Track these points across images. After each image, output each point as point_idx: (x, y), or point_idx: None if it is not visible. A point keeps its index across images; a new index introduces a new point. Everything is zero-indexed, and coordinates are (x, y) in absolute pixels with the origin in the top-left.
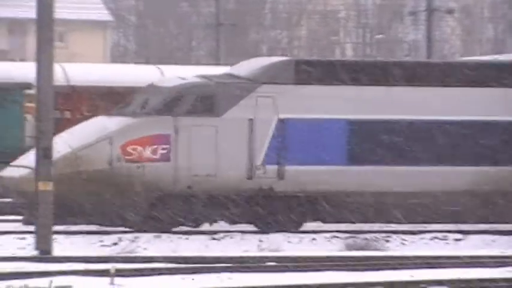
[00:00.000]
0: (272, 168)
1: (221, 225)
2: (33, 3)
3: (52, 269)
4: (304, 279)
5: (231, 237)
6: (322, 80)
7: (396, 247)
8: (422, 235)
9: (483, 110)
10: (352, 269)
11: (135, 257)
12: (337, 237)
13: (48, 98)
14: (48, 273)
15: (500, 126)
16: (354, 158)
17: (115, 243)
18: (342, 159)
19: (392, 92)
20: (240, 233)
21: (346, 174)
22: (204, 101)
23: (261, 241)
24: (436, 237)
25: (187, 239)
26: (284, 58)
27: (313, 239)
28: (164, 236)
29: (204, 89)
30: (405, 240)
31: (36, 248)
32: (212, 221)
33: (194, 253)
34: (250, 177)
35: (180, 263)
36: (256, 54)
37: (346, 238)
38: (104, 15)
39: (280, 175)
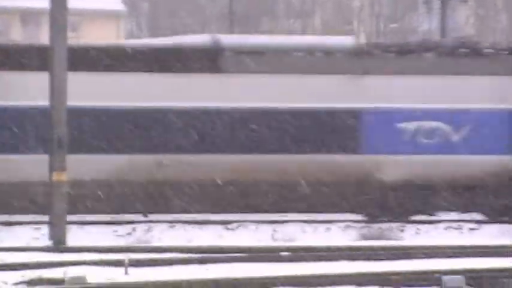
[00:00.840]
0: None
1: (234, 215)
2: None
3: (66, 259)
4: (318, 269)
5: (245, 227)
6: None
7: (411, 236)
8: (437, 225)
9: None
10: (367, 259)
11: (149, 247)
12: (352, 226)
13: (62, 87)
14: (62, 263)
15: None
16: None
17: (129, 233)
18: None
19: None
20: (254, 223)
21: None
22: None
23: (275, 231)
24: (450, 227)
25: (200, 228)
26: None
27: (328, 228)
28: (178, 225)
29: None
30: (420, 229)
31: (51, 239)
32: None
33: (208, 243)
34: None
35: (194, 253)
36: None
37: (361, 228)
38: (117, 4)
39: None
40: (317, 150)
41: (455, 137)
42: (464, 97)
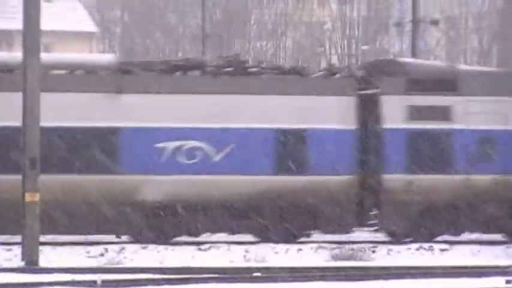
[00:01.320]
0: None
1: (208, 236)
2: (20, 15)
3: (39, 280)
4: None
5: (218, 248)
6: None
7: (382, 257)
8: (409, 245)
9: None
10: (338, 280)
11: (122, 268)
12: (324, 247)
13: (35, 108)
14: (34, 284)
15: None
16: None
17: (101, 254)
18: None
19: None
20: (226, 244)
21: None
22: None
23: (247, 252)
24: (422, 247)
25: (173, 249)
26: None
27: (300, 249)
28: (151, 246)
29: None
30: (391, 250)
31: (23, 259)
32: None
33: (180, 264)
34: None
35: (166, 273)
36: None
37: (332, 249)
38: (90, 26)
39: None
40: (79, 170)
41: (217, 157)
42: (228, 116)
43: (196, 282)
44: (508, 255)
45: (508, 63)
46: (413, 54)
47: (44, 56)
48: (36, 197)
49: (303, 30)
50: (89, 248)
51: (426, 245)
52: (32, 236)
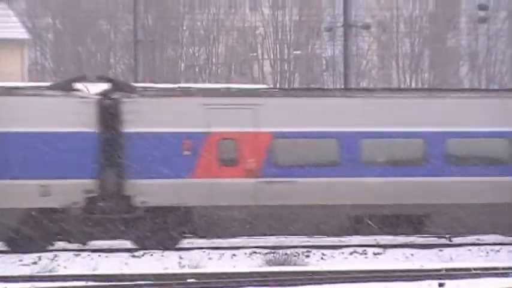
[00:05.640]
0: None
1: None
2: None
3: None
4: None
5: (151, 255)
6: None
7: (316, 262)
8: (342, 250)
9: None
10: (272, 285)
11: (55, 276)
12: (257, 252)
13: None
14: None
15: None
16: None
17: (34, 262)
18: None
19: None
20: (160, 250)
21: None
22: None
23: (181, 258)
24: (355, 252)
25: (107, 256)
26: None
27: (234, 255)
28: (84, 253)
29: None
30: (325, 255)
31: None
32: None
33: (114, 271)
34: None
35: (100, 281)
36: (174, 71)
37: (266, 254)
38: (21, 33)
39: None
40: None
41: None
42: None
43: None
44: (441, 259)
45: (439, 66)
46: (346, 59)
47: None
48: None
49: (236, 36)
50: (22, 256)
51: (360, 249)
52: None
